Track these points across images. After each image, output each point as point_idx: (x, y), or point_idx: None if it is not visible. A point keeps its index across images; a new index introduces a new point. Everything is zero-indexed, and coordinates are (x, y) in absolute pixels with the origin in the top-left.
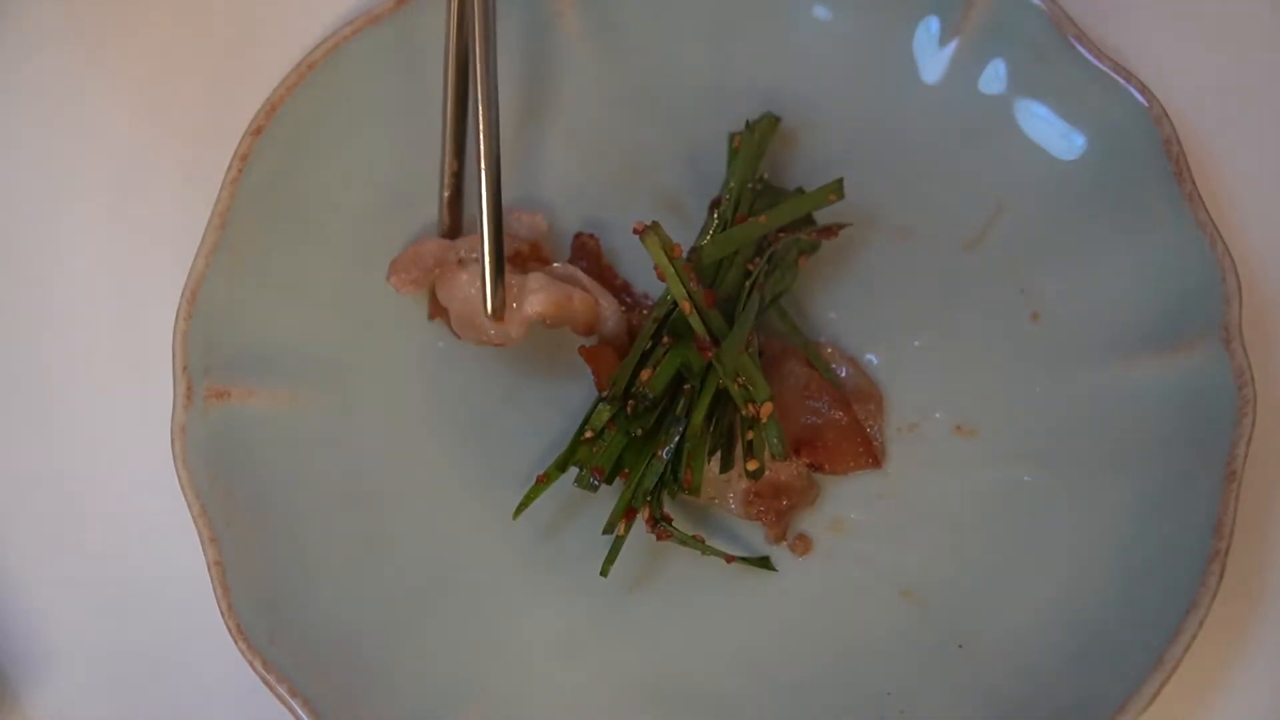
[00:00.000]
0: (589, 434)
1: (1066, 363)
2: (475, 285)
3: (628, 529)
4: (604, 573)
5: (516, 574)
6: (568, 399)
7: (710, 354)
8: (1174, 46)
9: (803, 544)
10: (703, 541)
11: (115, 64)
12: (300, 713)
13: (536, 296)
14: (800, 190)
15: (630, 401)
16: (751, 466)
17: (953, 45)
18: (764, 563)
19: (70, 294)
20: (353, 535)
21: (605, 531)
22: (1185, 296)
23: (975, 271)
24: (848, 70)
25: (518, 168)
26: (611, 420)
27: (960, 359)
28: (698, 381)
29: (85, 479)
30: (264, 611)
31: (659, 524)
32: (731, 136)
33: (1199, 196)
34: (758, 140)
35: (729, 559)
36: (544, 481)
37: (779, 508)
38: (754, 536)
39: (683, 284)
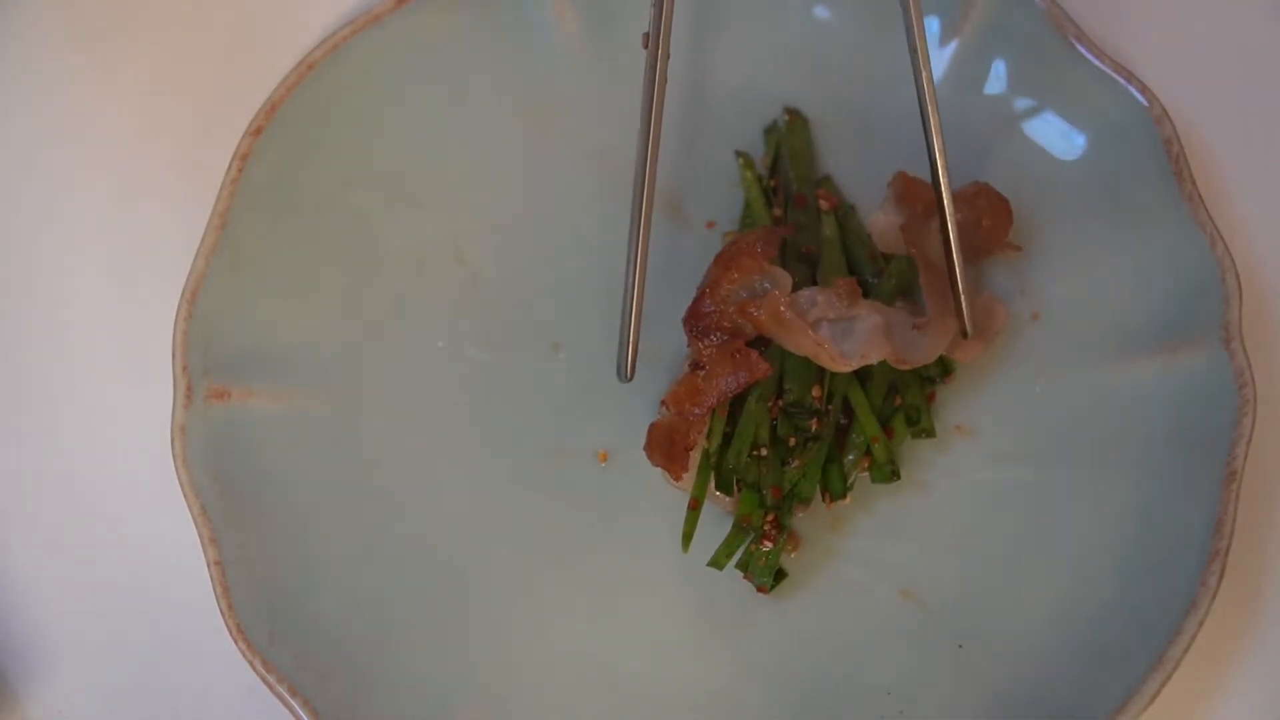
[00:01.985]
0: (761, 451)
1: (1066, 363)
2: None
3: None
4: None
5: (516, 574)
6: (567, 397)
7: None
8: (1174, 46)
9: (793, 541)
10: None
11: (116, 64)
12: (300, 713)
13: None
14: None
15: (815, 419)
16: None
17: (953, 45)
18: (780, 576)
19: (70, 294)
20: (353, 535)
21: (736, 529)
22: (1185, 296)
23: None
24: (847, 70)
25: (517, 169)
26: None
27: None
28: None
29: (85, 479)
30: (264, 611)
31: (782, 531)
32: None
33: (1199, 196)
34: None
35: (761, 589)
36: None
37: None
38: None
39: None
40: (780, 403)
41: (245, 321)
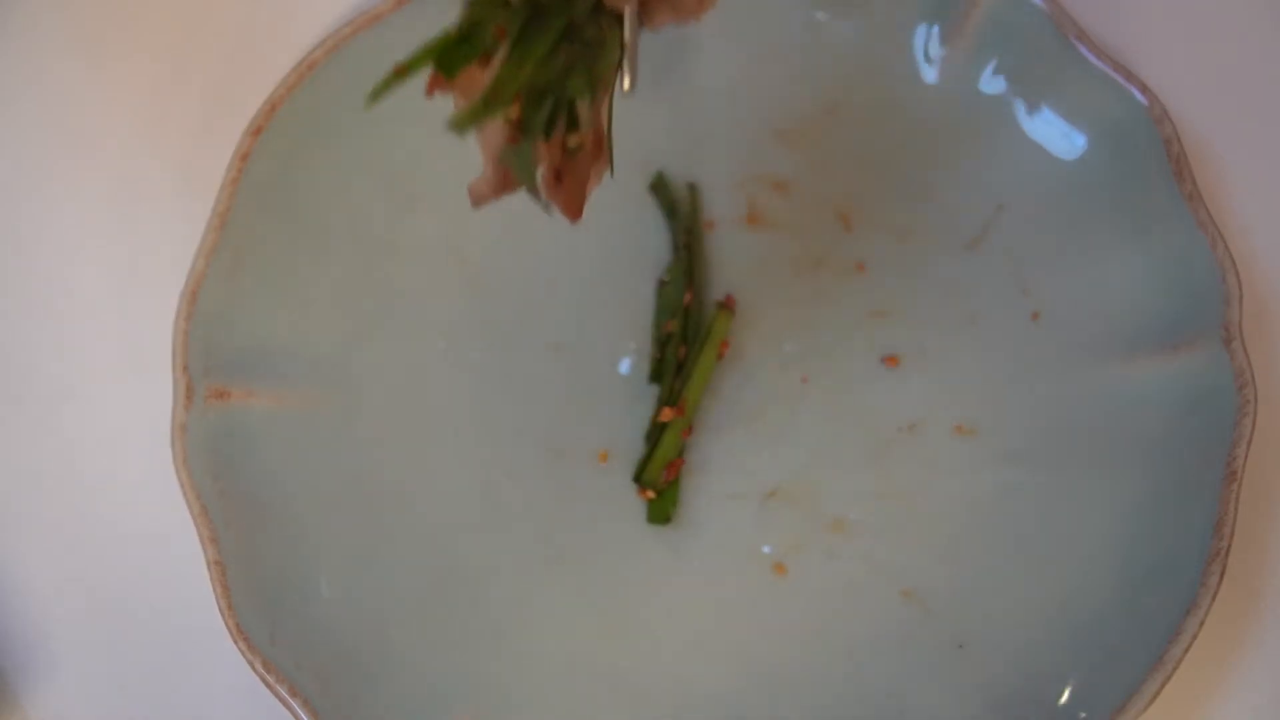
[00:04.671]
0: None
1: (1066, 363)
2: None
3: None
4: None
5: (517, 574)
6: (567, 397)
7: None
8: (1174, 46)
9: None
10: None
11: (116, 64)
12: (300, 713)
13: None
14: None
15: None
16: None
17: (953, 45)
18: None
19: (70, 294)
20: (353, 535)
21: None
22: (1185, 296)
23: (975, 271)
24: (847, 71)
25: None
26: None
27: (960, 359)
28: None
29: (85, 479)
30: (264, 611)
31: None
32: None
33: (1199, 196)
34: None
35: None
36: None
37: (574, 189)
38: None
39: None
40: None
41: (245, 321)
